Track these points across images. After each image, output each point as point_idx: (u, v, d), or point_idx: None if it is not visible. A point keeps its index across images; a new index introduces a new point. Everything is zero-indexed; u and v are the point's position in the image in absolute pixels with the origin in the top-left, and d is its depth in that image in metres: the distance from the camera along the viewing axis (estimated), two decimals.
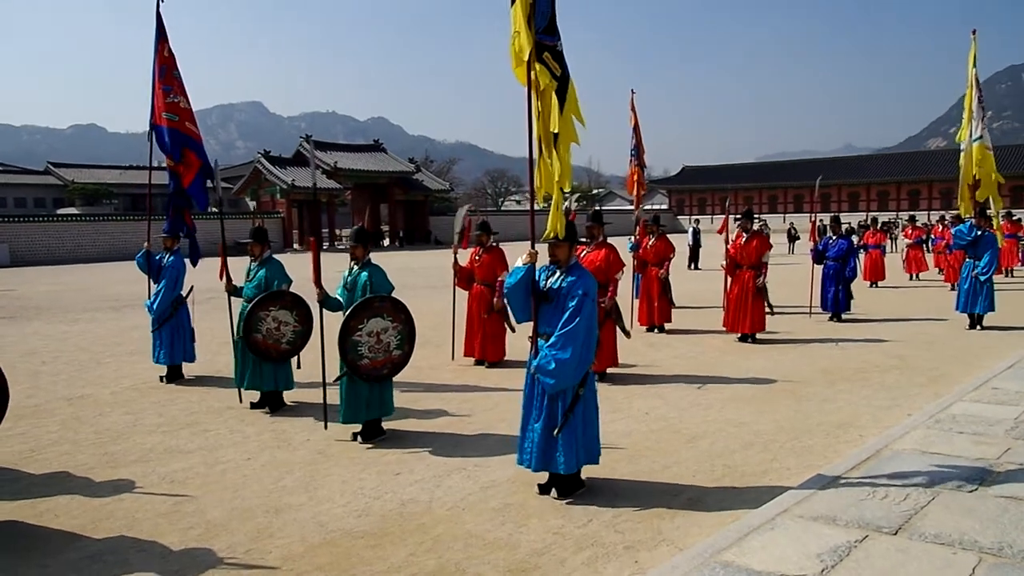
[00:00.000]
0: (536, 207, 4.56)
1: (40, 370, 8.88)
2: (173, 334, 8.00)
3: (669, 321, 10.95)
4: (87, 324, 13.05)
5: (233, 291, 6.92)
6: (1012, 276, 19.67)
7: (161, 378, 8.06)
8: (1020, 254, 21.09)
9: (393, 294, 5.80)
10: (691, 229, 25.14)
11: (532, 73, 4.31)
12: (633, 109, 11.86)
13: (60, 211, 52.43)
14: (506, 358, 8.51)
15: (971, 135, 10.67)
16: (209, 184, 7.62)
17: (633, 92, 11.99)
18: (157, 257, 8.27)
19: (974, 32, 10.63)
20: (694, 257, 23.99)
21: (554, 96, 4.31)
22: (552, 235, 4.46)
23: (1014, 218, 22.27)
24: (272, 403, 6.72)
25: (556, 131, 4.32)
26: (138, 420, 6.49)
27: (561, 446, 4.34)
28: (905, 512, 3.87)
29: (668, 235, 11.57)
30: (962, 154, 10.75)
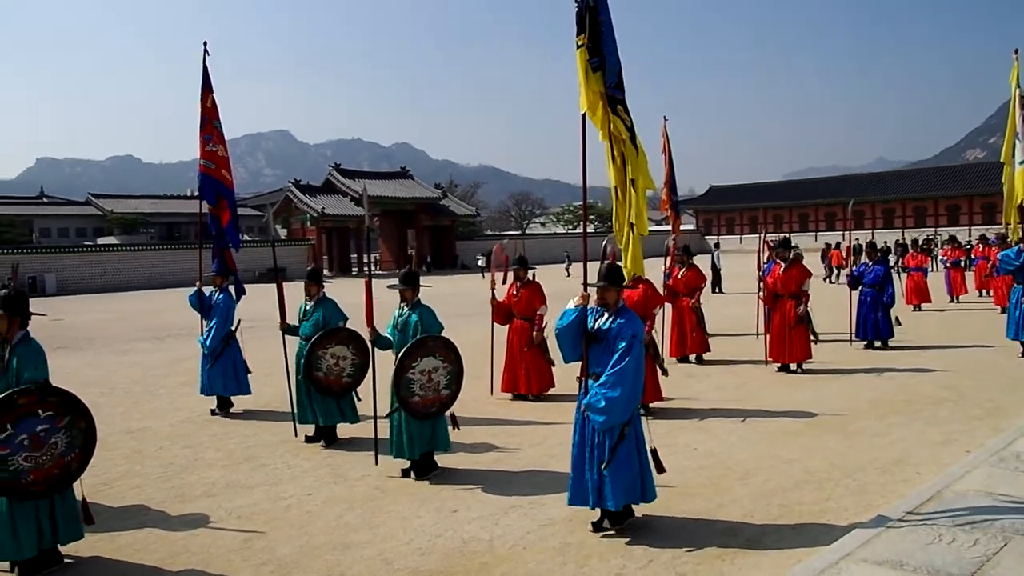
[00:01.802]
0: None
1: (99, 402, 9.15)
2: (226, 368, 8.26)
3: (708, 351, 10.87)
4: (136, 355, 13.45)
5: (288, 330, 7.11)
6: None
7: (212, 411, 8.30)
8: None
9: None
10: (712, 254, 25.09)
11: (603, 122, 4.58)
12: (665, 136, 11.90)
13: (101, 240, 54.23)
14: (552, 391, 8.53)
15: (1016, 158, 10.53)
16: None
17: (666, 119, 12.04)
18: (208, 294, 8.55)
19: (1016, 52, 10.56)
20: (716, 281, 23.88)
21: (631, 145, 4.59)
22: (632, 276, 4.72)
23: None
24: (328, 436, 6.89)
25: (634, 177, 4.57)
26: (198, 454, 6.71)
27: (609, 482, 4.45)
28: (976, 559, 3.81)
29: (693, 257, 11.53)
30: (1006, 177, 10.64)
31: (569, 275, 32.42)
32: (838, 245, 30.09)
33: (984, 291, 19.20)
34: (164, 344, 14.92)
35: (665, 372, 7.71)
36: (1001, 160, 11.00)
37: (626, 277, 4.73)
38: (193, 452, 6.77)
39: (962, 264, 19.69)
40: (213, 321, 8.34)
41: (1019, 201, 10.46)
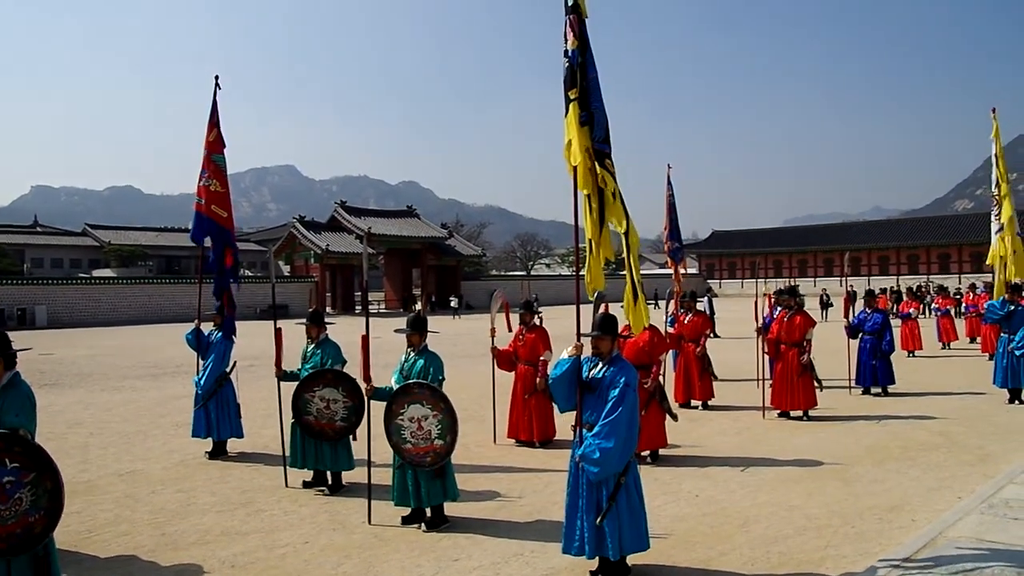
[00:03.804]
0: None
1: (89, 442, 9.09)
2: (219, 410, 8.16)
3: (712, 397, 10.87)
4: (130, 393, 13.34)
5: (284, 377, 6.96)
6: None
7: (206, 453, 8.19)
8: None
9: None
10: (706, 299, 25.24)
11: (587, 175, 4.67)
12: (669, 185, 12.06)
13: (96, 272, 53.92)
14: (556, 437, 8.46)
15: (992, 226, 10.85)
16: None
17: (669, 167, 12.21)
18: (207, 334, 8.52)
19: (994, 110, 10.92)
20: (711, 326, 23.95)
21: (617, 200, 4.68)
22: (638, 328, 4.82)
23: None
24: (331, 483, 6.78)
25: (625, 231, 4.66)
26: (191, 499, 6.61)
27: (607, 533, 4.43)
28: None
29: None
30: (996, 236, 10.84)
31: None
32: (883, 291, 29.74)
33: (973, 338, 19.64)
34: (159, 382, 14.82)
35: (675, 418, 7.72)
36: (1002, 221, 11.16)
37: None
38: (187, 497, 6.67)
39: (951, 312, 20.07)
40: (210, 359, 8.29)
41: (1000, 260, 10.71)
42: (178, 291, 38.06)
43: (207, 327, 8.55)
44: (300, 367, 7.06)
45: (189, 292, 36.26)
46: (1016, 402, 10.54)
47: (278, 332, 6.90)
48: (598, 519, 4.44)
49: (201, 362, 8.43)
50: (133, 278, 41.09)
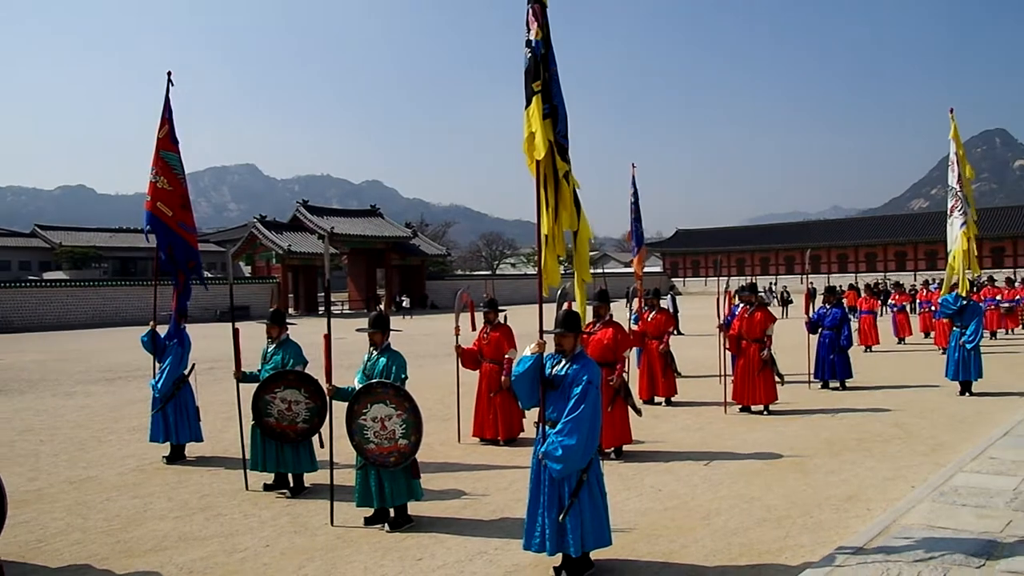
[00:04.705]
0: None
1: (39, 449, 8.79)
2: (177, 413, 7.98)
3: (675, 394, 10.99)
4: (83, 398, 12.94)
5: (243, 378, 6.86)
6: (996, 339, 20.11)
7: (164, 458, 8.00)
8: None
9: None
10: (669, 296, 25.53)
11: (548, 168, 4.65)
12: (634, 184, 12.16)
13: (47, 275, 52.09)
14: (522, 435, 8.46)
15: (955, 224, 10.93)
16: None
17: (634, 166, 12.32)
18: (163, 335, 8.32)
19: (952, 111, 11.16)
20: (675, 324, 24.24)
21: (572, 197, 4.66)
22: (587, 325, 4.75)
23: (995, 283, 22.89)
24: (292, 486, 6.68)
25: (576, 229, 4.63)
26: (148, 505, 6.44)
27: (569, 529, 4.44)
28: None
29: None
30: (960, 232, 10.89)
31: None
32: (851, 287, 30.19)
33: (927, 333, 20.24)
34: (114, 386, 14.40)
35: (639, 413, 7.79)
36: (972, 219, 11.28)
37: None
38: (143, 503, 6.49)
39: (907, 309, 20.65)
40: (166, 363, 8.09)
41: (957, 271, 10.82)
42: (134, 293, 37.03)
43: (164, 329, 8.33)
44: (260, 368, 6.94)
45: (146, 294, 35.35)
46: (967, 394, 10.87)
47: (236, 332, 6.78)
48: (560, 516, 4.44)
49: (158, 365, 8.22)
50: (86, 280, 39.80)
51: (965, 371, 10.84)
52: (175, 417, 7.97)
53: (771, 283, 37.43)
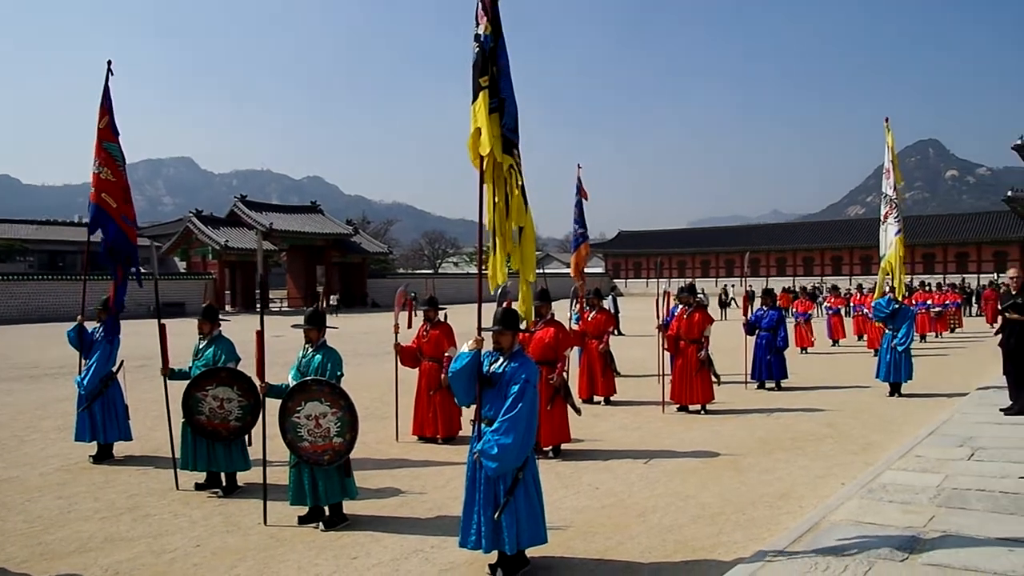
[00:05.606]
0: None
1: None
2: (104, 412, 7.68)
3: (614, 393, 11.13)
4: (4, 396, 12.31)
5: (172, 375, 6.68)
6: (925, 342, 21.06)
7: (91, 457, 7.69)
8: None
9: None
10: (610, 297, 25.87)
11: (494, 164, 4.62)
12: (580, 183, 12.26)
13: None
14: (461, 433, 8.42)
15: (890, 229, 11.40)
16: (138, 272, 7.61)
17: (580, 167, 12.42)
18: (91, 331, 7.98)
19: (887, 120, 11.62)
20: (615, 324, 24.57)
21: (519, 193, 4.61)
22: (527, 321, 4.72)
23: (926, 288, 24.03)
24: (225, 485, 6.50)
25: (522, 226, 4.61)
26: (72, 505, 6.16)
27: (504, 527, 4.43)
28: None
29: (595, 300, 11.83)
30: (895, 238, 11.35)
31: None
32: (786, 290, 30.72)
33: (860, 336, 20.97)
34: (39, 383, 13.76)
35: (578, 412, 7.84)
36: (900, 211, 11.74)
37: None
38: (67, 503, 6.21)
39: (841, 312, 21.36)
40: (93, 359, 7.77)
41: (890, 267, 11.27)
42: (62, 288, 35.47)
43: (92, 326, 8.00)
44: (191, 364, 6.74)
45: (74, 289, 33.90)
46: (896, 395, 11.30)
47: (163, 328, 6.59)
48: (496, 514, 4.43)
49: (84, 361, 7.88)
50: (10, 274, 37.89)
51: (896, 373, 11.23)
52: (103, 415, 7.67)
53: (726, 286, 38.33)
